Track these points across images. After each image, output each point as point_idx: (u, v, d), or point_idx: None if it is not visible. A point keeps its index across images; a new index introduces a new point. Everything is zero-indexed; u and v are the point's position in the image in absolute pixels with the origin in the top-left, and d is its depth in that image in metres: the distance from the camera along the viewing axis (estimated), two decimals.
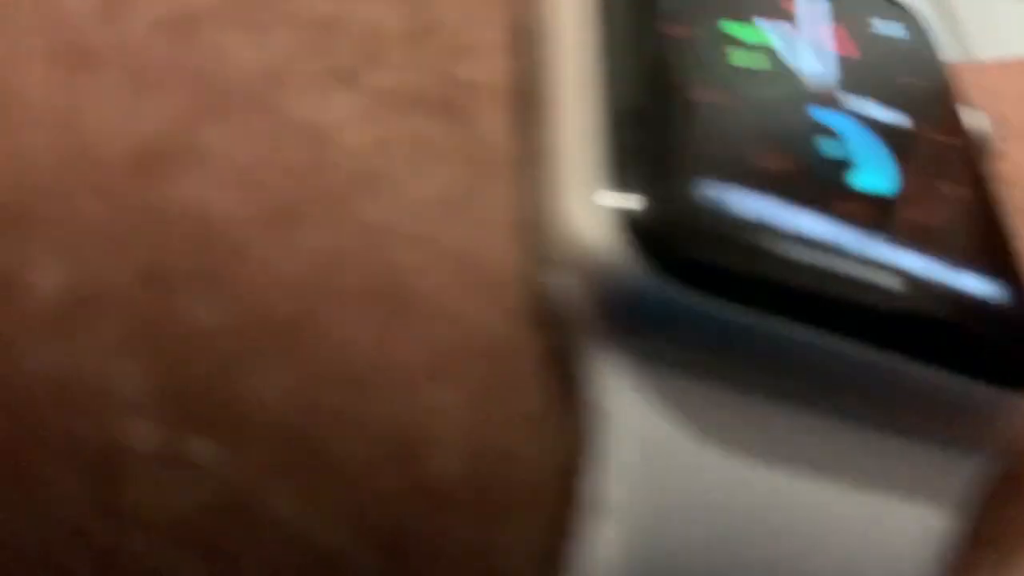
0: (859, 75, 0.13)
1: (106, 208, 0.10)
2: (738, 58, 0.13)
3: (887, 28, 0.14)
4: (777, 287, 0.11)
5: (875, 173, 0.12)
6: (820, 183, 0.12)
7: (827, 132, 0.13)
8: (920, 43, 0.14)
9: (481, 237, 0.11)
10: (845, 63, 0.13)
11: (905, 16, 0.15)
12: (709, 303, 0.11)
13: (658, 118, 0.12)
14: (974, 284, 0.12)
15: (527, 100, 0.12)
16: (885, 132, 0.13)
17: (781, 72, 0.13)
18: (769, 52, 0.13)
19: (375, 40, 0.11)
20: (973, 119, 0.14)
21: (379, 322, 0.10)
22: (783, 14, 0.14)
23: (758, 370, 0.11)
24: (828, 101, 0.13)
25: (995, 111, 0.15)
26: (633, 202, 0.11)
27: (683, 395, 0.11)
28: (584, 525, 0.11)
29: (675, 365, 0.11)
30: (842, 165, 0.12)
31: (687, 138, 0.12)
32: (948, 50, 0.14)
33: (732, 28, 0.13)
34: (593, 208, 0.11)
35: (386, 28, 0.11)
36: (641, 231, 0.11)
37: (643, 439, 0.11)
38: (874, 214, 0.12)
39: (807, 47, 0.13)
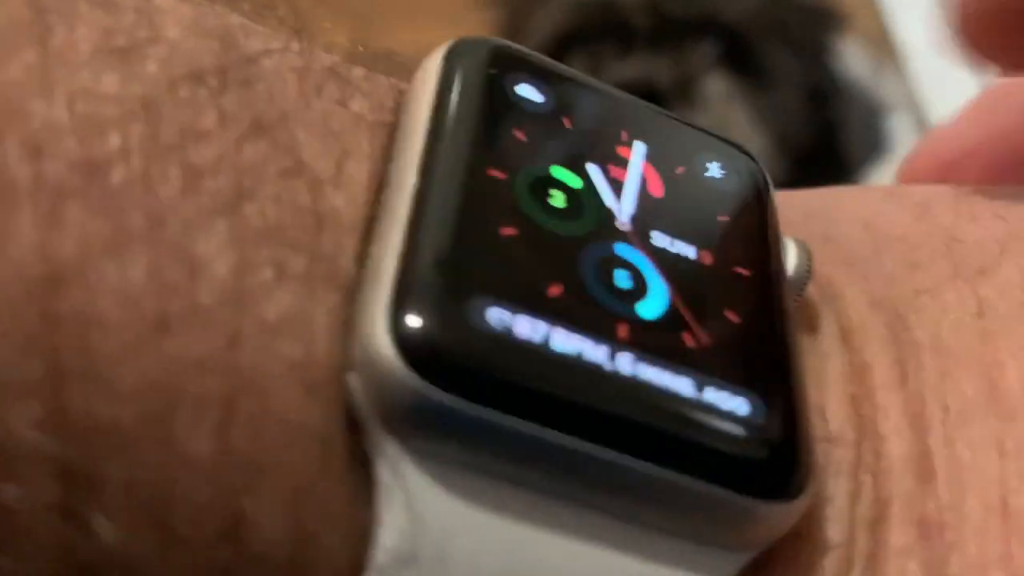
0: (664, 214, 0.15)
1: (14, 318, 0.13)
2: (556, 199, 0.15)
3: (710, 169, 0.16)
4: (517, 394, 0.13)
5: (656, 302, 0.15)
6: (602, 309, 0.14)
7: (623, 265, 0.15)
8: (738, 181, 0.16)
9: (313, 349, 0.14)
10: (655, 203, 0.16)
11: (731, 155, 0.17)
12: (465, 407, 0.13)
13: (447, 250, 0.14)
14: (729, 402, 0.14)
15: (371, 228, 0.14)
16: (672, 265, 0.15)
17: (595, 212, 0.15)
18: (590, 193, 0.15)
19: (253, 179, 0.14)
20: (785, 250, 0.16)
21: (223, 421, 0.13)
22: (616, 160, 0.16)
23: (515, 464, 0.13)
24: (630, 238, 0.15)
25: (822, 234, 0.16)
26: (408, 325, 0.13)
27: (454, 479, 0.13)
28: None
29: (447, 456, 0.13)
30: (630, 294, 0.14)
31: (471, 268, 0.14)
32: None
33: (559, 172, 0.15)
34: (380, 329, 0.13)
35: (263, 168, 0.14)
36: (412, 348, 0.13)
37: (417, 511, 0.13)
38: (649, 338, 0.14)
39: (627, 189, 0.15)
